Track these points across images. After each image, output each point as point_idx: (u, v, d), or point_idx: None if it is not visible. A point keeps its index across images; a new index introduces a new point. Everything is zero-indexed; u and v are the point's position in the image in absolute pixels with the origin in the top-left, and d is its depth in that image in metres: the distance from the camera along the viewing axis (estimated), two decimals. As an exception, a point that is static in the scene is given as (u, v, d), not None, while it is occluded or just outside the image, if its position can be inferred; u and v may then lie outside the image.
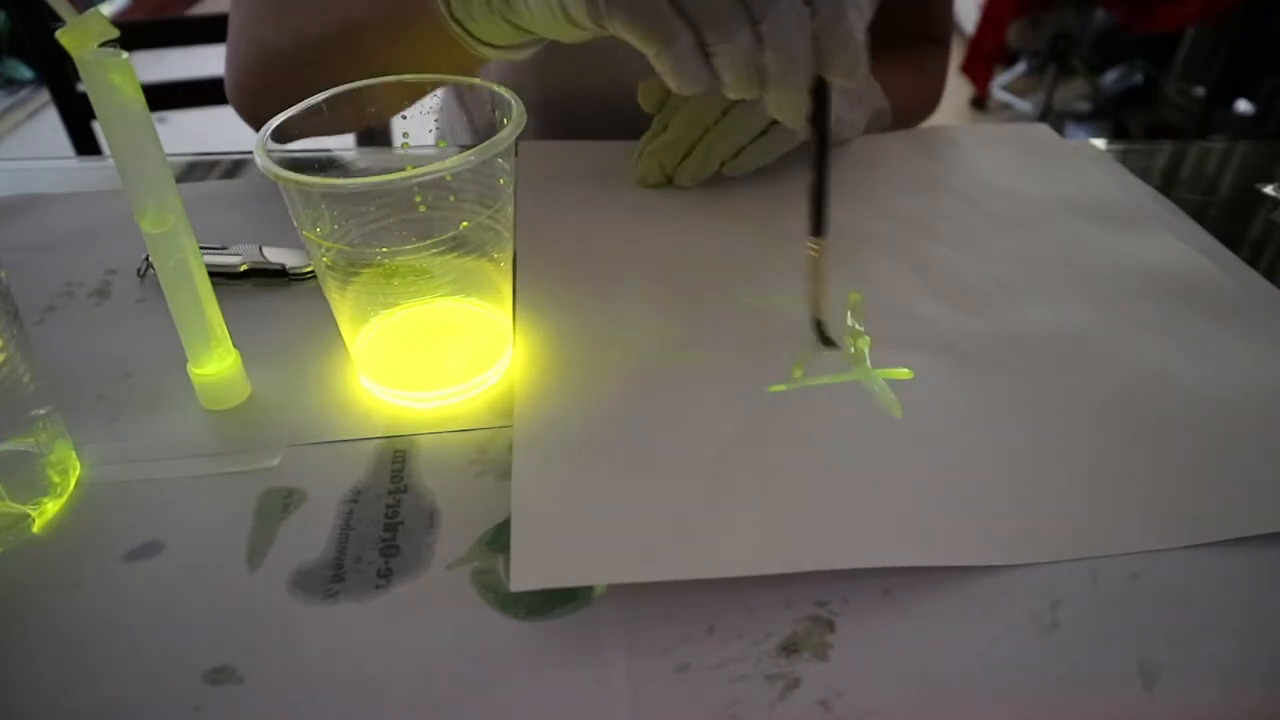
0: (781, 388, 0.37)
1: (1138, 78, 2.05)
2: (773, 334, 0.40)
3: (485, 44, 0.42)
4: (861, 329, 0.41)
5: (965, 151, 0.58)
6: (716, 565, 0.29)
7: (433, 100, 0.37)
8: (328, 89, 0.35)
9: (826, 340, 0.37)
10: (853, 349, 0.39)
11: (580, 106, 0.64)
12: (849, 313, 0.42)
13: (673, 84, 0.33)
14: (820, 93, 0.34)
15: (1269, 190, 0.55)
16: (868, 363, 0.38)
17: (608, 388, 0.37)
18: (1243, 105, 1.83)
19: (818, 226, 0.36)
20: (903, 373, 0.38)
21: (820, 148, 0.35)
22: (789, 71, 0.32)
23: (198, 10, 2.15)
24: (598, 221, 0.49)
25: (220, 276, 0.42)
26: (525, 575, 0.28)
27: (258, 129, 0.33)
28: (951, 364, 0.39)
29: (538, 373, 0.38)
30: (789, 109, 0.34)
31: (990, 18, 2.16)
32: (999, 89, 2.61)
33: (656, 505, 0.31)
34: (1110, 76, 2.10)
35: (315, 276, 0.42)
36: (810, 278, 0.37)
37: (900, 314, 0.42)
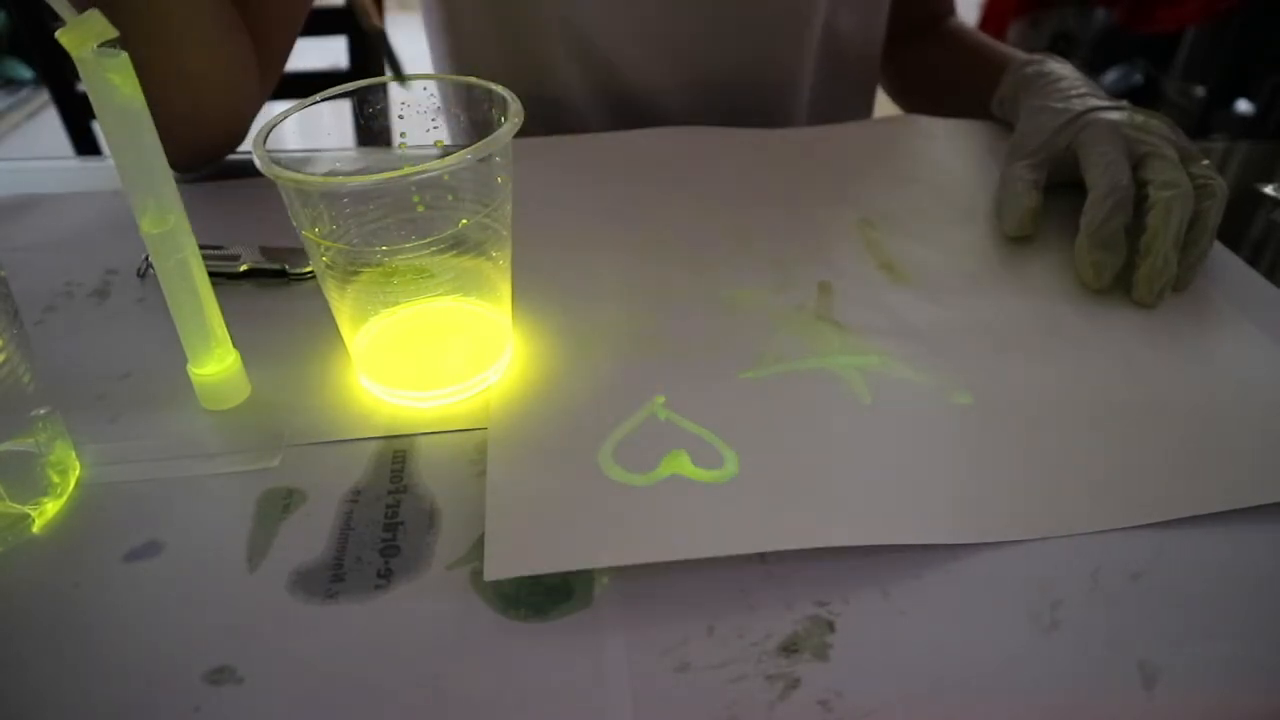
0: (751, 374, 0.37)
1: (1138, 78, 2.05)
2: (744, 324, 0.41)
3: None
4: (832, 317, 0.41)
5: (935, 143, 0.58)
6: (685, 548, 0.29)
7: (431, 99, 0.37)
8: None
9: (396, 69, 0.29)
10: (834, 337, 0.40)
11: (575, 103, 0.64)
12: (817, 298, 0.42)
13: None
14: None
15: (1269, 190, 0.55)
16: (836, 349, 0.39)
17: (580, 381, 0.37)
18: (1243, 105, 1.83)
19: None
20: (870, 359, 0.38)
21: None
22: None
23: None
24: (582, 219, 0.49)
25: (220, 276, 0.42)
26: (498, 565, 0.29)
27: None
28: (920, 351, 0.39)
29: (514, 369, 0.38)
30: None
31: (990, 17, 2.16)
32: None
33: (626, 493, 0.32)
34: (1110, 76, 2.10)
35: (315, 276, 0.42)
36: None
37: (870, 303, 0.42)
